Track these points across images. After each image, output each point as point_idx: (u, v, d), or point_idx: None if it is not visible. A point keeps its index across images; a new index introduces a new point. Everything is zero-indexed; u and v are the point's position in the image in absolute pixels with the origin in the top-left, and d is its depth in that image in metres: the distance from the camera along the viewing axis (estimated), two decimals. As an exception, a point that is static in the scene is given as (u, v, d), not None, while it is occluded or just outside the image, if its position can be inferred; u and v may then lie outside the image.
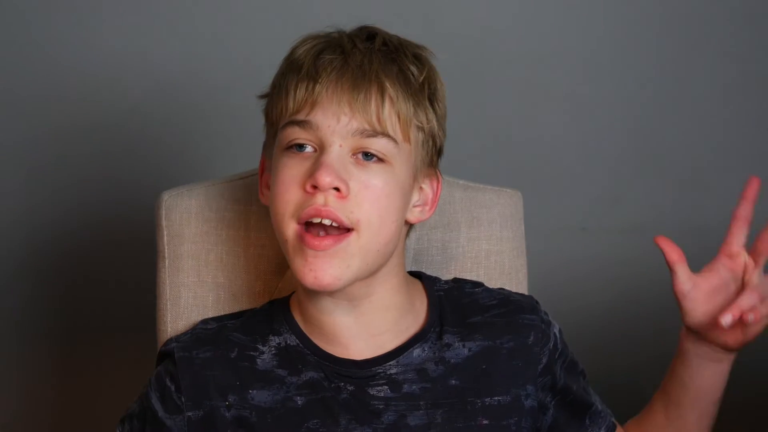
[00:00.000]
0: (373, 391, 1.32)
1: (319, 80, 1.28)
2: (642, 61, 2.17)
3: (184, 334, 1.40)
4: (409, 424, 1.32)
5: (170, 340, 1.41)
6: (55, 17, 2.08)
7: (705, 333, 1.35)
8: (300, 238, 1.27)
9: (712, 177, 2.18)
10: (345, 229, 1.27)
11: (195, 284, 1.52)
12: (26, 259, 2.14)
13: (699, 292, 1.35)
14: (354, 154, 1.28)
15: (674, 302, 2.18)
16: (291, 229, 1.28)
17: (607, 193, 2.16)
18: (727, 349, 1.35)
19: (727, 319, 1.29)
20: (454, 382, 1.34)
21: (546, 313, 1.41)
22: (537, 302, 1.41)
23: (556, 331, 1.40)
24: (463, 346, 1.35)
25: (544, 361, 1.37)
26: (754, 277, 1.33)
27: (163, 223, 1.54)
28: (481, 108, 2.14)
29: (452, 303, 1.38)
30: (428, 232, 1.53)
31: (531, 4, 2.16)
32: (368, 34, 1.33)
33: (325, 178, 1.25)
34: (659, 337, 2.17)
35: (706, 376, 1.37)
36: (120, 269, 2.09)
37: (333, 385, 1.33)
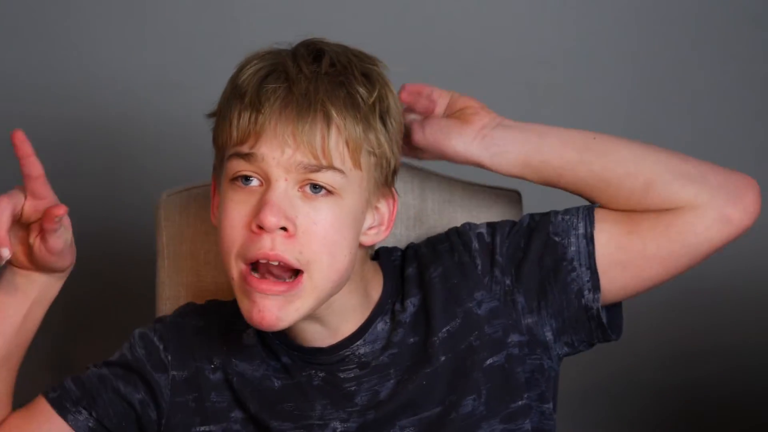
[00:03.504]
0: (343, 375, 1.33)
1: (262, 110, 1.24)
2: (640, 60, 2.17)
3: (175, 310, 1.42)
4: (382, 400, 1.32)
5: (162, 316, 1.44)
6: (55, 17, 2.08)
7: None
8: (246, 280, 1.25)
9: (711, 177, 2.18)
10: (294, 271, 1.25)
11: (194, 284, 1.52)
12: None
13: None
14: (301, 187, 1.24)
15: (673, 302, 2.18)
16: (237, 269, 1.26)
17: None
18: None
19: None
20: (412, 339, 1.33)
21: (468, 224, 1.38)
22: (459, 227, 1.38)
23: (481, 230, 1.37)
24: (410, 303, 1.34)
25: (479, 262, 1.34)
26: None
27: (163, 222, 1.54)
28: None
29: (402, 271, 1.37)
30: (428, 231, 1.53)
31: (531, 4, 2.16)
32: (315, 54, 1.29)
33: (270, 219, 1.22)
34: (658, 337, 2.18)
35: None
36: (120, 268, 2.09)
37: (305, 374, 1.33)
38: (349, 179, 1.26)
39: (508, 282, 1.33)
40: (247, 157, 1.25)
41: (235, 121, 1.25)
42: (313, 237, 1.24)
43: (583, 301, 1.32)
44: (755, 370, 2.14)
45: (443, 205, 1.53)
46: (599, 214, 1.34)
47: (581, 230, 1.33)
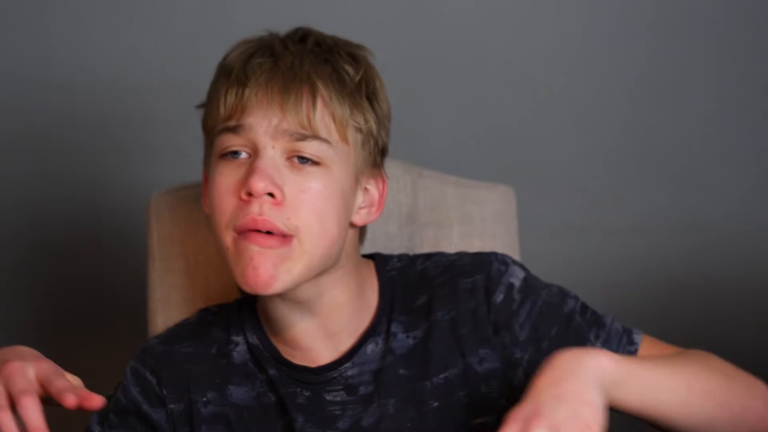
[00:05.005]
0: (329, 397, 1.31)
1: (249, 84, 1.25)
2: (640, 60, 2.16)
3: (165, 331, 1.40)
4: (363, 426, 1.30)
5: (150, 338, 1.40)
6: (53, 16, 2.08)
7: None
8: (238, 243, 1.24)
9: (710, 176, 2.17)
10: (284, 236, 1.24)
11: (185, 285, 1.51)
12: (16, 259, 2.14)
13: None
14: (288, 158, 1.25)
15: (672, 303, 2.16)
16: (229, 237, 1.25)
17: (605, 192, 2.15)
18: None
19: None
20: (402, 371, 1.30)
21: (503, 264, 1.32)
22: (493, 257, 1.32)
23: (513, 280, 1.31)
24: (407, 336, 1.31)
25: (494, 318, 1.29)
26: None
27: (153, 223, 1.53)
28: (479, 107, 2.14)
29: (403, 284, 1.34)
30: (420, 229, 1.52)
31: (531, 4, 2.15)
32: (301, 36, 1.31)
33: (258, 184, 1.22)
34: (657, 338, 2.16)
35: None
36: (111, 270, 2.09)
37: (290, 390, 1.31)
38: (336, 151, 1.26)
39: (518, 355, 1.29)
40: (235, 129, 1.25)
41: (222, 99, 1.27)
42: (301, 204, 1.24)
43: None
44: (752, 367, 2.12)
45: (435, 203, 1.52)
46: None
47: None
